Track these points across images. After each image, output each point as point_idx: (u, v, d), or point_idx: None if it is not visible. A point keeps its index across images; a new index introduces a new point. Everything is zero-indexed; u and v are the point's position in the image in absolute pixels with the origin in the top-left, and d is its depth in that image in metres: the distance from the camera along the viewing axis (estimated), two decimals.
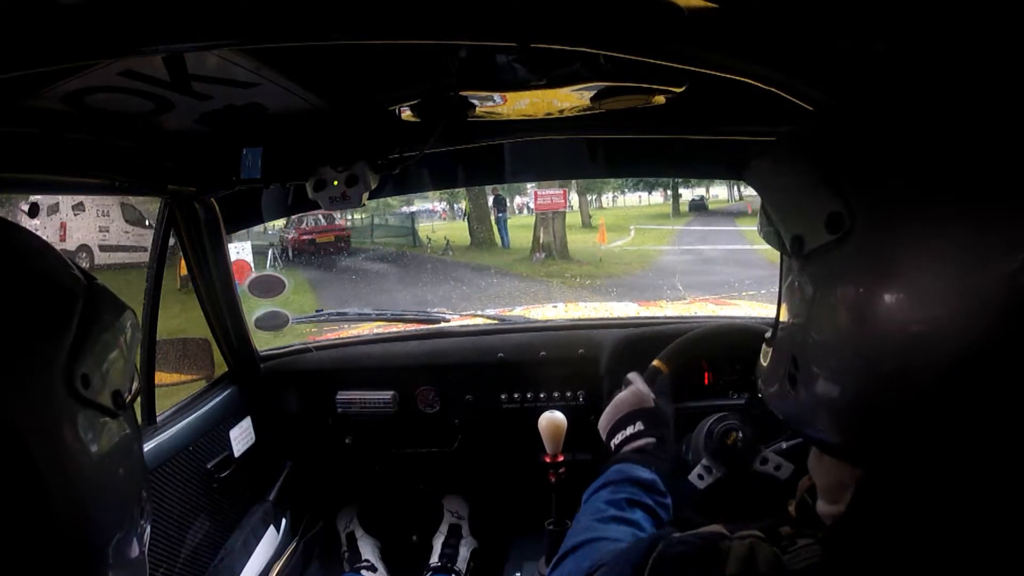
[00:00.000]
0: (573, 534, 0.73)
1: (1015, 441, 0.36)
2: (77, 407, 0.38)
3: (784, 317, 0.47)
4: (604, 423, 1.01)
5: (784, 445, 1.09)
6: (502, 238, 12.09)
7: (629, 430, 0.95)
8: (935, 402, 0.37)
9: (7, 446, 0.34)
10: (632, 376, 1.07)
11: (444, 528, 1.66)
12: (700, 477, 1.09)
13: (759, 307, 2.14)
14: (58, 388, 0.37)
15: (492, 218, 12.18)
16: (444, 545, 1.63)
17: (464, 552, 1.62)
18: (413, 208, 16.51)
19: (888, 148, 0.40)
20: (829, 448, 0.47)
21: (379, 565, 1.63)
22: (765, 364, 0.51)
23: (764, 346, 0.51)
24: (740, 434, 1.16)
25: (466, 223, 12.65)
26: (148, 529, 0.47)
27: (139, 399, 1.18)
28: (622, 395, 1.03)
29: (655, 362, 1.14)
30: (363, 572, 1.60)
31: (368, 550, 1.65)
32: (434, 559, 1.62)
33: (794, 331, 0.45)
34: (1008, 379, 0.35)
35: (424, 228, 14.81)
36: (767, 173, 0.50)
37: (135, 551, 0.44)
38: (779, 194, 0.47)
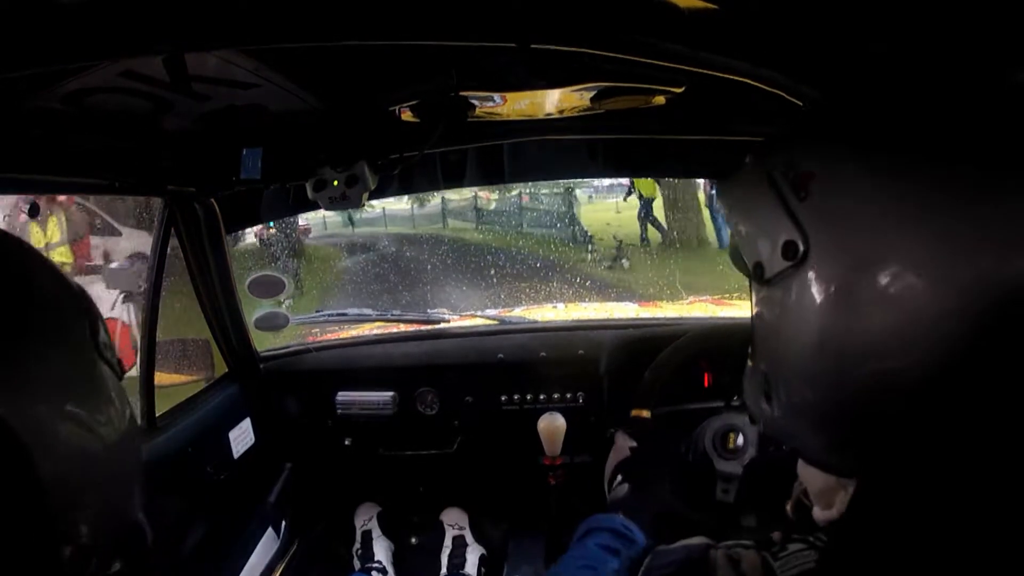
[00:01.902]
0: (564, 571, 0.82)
1: (992, 442, 0.36)
2: (105, 364, 0.45)
3: (756, 337, 0.48)
4: (605, 483, 1.16)
5: (785, 446, 1.09)
6: (718, 233, 6.71)
7: (614, 484, 1.10)
8: (905, 410, 0.38)
9: (62, 377, 0.41)
10: (617, 435, 1.21)
11: (448, 542, 1.66)
12: (725, 492, 1.13)
13: None
14: (91, 345, 0.44)
15: (701, 201, 7.04)
16: (451, 556, 1.63)
17: (472, 558, 1.62)
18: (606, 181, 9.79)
19: (839, 165, 0.41)
20: (806, 458, 0.48)
21: (390, 569, 1.62)
22: (746, 379, 0.52)
23: (748, 361, 0.52)
24: (740, 435, 1.16)
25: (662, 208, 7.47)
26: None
27: (138, 401, 1.19)
28: (609, 457, 1.18)
29: (633, 411, 1.23)
30: (374, 574, 1.60)
31: (381, 552, 1.64)
32: (443, 572, 1.61)
33: (764, 351, 0.47)
34: (973, 385, 0.36)
35: (606, 209, 9.17)
36: (730, 195, 0.50)
37: (137, 500, 0.50)
38: (740, 218, 0.48)
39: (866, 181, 0.39)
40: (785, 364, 0.44)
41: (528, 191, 9.93)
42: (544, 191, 9.84)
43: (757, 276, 0.45)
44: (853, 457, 0.42)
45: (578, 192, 9.27)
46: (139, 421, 1.17)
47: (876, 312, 0.38)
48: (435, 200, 12.19)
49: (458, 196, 11.97)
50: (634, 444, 1.17)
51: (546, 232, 8.92)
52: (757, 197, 0.45)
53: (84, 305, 0.46)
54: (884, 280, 0.37)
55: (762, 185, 0.45)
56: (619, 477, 1.08)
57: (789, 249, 0.41)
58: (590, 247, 7.72)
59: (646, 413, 1.22)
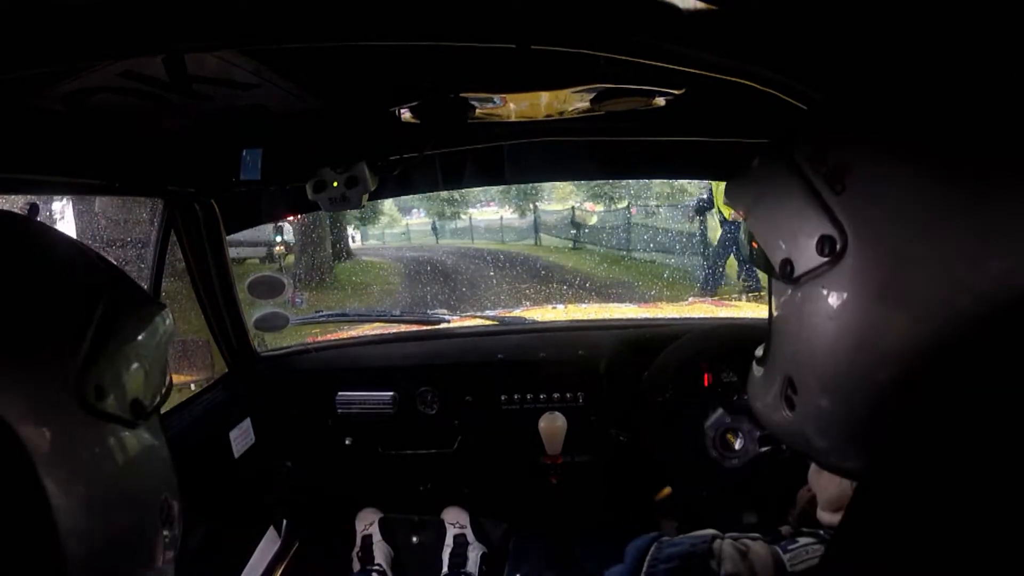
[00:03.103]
0: None
1: (1013, 441, 0.35)
2: (90, 420, 0.37)
3: (777, 339, 0.46)
4: None
5: (784, 447, 1.10)
6: None
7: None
8: (940, 411, 0.37)
9: (12, 464, 0.33)
10: (662, 522, 1.29)
11: (449, 541, 1.66)
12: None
13: (758, 308, 2.14)
14: (67, 401, 0.36)
15: None
16: (452, 555, 1.63)
17: (473, 556, 1.62)
18: None
19: (877, 157, 0.39)
20: (827, 464, 0.46)
21: (390, 573, 1.63)
22: (757, 383, 0.50)
23: (755, 364, 0.50)
24: (740, 435, 1.16)
25: None
26: (177, 535, 0.46)
27: None
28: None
29: (656, 496, 1.30)
30: (374, 575, 1.61)
31: (381, 556, 1.65)
32: (444, 571, 1.62)
33: (790, 353, 0.44)
34: (1005, 381, 0.35)
35: None
36: (747, 191, 0.47)
37: (159, 560, 0.43)
38: (763, 214, 0.45)
39: (906, 173, 0.37)
40: (816, 365, 0.42)
41: (638, 203, 8.14)
42: (653, 201, 8.11)
43: (785, 274, 0.42)
44: (877, 459, 0.41)
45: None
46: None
47: (917, 309, 0.37)
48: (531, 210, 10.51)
49: (560, 206, 10.51)
50: (676, 524, 1.25)
51: (665, 260, 6.74)
52: (784, 190, 0.43)
53: (76, 334, 0.37)
54: (927, 276, 0.36)
55: (788, 178, 0.42)
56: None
57: (825, 244, 0.39)
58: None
59: (667, 491, 1.27)
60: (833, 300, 0.40)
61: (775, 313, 0.46)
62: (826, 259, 0.39)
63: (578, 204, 10.00)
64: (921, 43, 0.48)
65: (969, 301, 0.35)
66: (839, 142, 0.41)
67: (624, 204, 8.39)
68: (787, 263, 0.42)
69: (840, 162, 0.40)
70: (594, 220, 9.30)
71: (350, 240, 10.03)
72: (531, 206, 10.78)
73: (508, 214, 11.92)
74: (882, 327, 0.38)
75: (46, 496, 0.34)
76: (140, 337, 0.41)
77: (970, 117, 0.38)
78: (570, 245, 9.25)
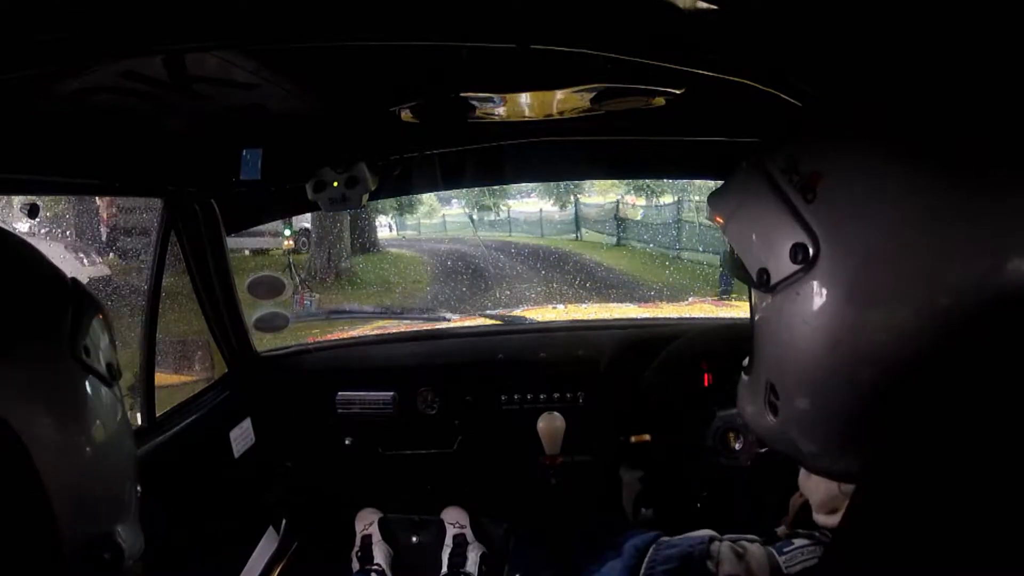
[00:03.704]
0: None
1: (996, 436, 0.36)
2: (83, 372, 0.45)
3: (759, 345, 0.47)
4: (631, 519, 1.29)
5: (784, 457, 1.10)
6: None
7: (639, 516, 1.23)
8: (922, 410, 0.37)
9: (25, 398, 0.41)
10: (622, 472, 1.31)
11: (449, 541, 1.66)
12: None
13: None
14: (67, 354, 0.44)
15: None
16: (452, 555, 1.63)
17: (473, 556, 1.62)
18: None
19: (847, 165, 0.40)
20: (815, 468, 0.47)
21: (389, 573, 1.63)
22: (744, 390, 0.50)
23: (743, 372, 0.51)
24: (741, 435, 1.16)
25: None
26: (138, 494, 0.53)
27: (138, 400, 1.19)
28: (623, 497, 1.27)
29: (633, 438, 1.28)
30: (373, 575, 1.61)
31: (381, 556, 1.65)
32: (444, 571, 1.62)
33: (770, 359, 0.45)
34: (979, 380, 0.36)
35: None
36: (725, 199, 0.48)
37: (132, 512, 0.50)
38: (739, 223, 0.46)
39: (875, 181, 0.38)
40: (795, 370, 0.43)
41: (683, 197, 7.77)
42: (696, 196, 7.65)
43: (762, 283, 0.43)
44: (862, 460, 0.41)
45: None
46: (139, 422, 1.17)
47: (890, 310, 0.37)
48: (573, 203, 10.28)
49: (602, 199, 10.24)
50: (641, 474, 1.18)
51: (715, 260, 6.47)
52: (758, 201, 0.44)
53: (61, 306, 0.45)
54: (898, 278, 0.37)
55: (762, 188, 0.43)
56: (643, 509, 1.13)
57: (798, 252, 0.40)
58: None
59: (646, 437, 1.24)
60: (808, 305, 0.40)
61: (756, 322, 0.47)
62: (799, 266, 0.40)
63: (620, 197, 9.69)
64: (905, 45, 0.48)
65: (945, 301, 0.36)
66: (810, 151, 0.42)
67: (670, 199, 8.15)
68: (763, 272, 0.43)
69: (811, 171, 0.41)
70: (639, 215, 9.15)
71: (385, 229, 10.03)
72: (572, 199, 10.68)
73: (548, 206, 11.83)
74: (857, 330, 0.39)
75: (53, 435, 0.42)
76: (100, 318, 0.51)
77: (944, 120, 0.39)
78: (613, 241, 9.00)
